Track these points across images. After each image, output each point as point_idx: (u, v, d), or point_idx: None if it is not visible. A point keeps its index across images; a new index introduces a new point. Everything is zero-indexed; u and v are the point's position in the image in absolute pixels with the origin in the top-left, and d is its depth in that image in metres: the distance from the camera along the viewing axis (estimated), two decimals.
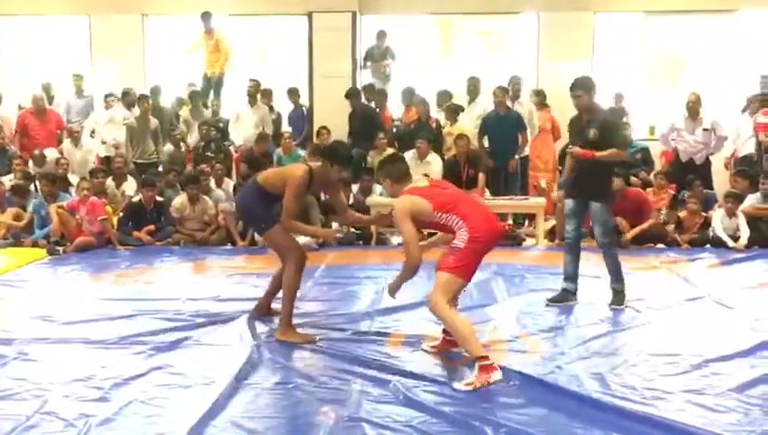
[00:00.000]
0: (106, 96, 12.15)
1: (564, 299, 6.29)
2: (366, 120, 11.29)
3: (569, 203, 6.32)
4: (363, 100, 11.69)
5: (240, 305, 6.24)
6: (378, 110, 11.75)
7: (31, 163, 11.03)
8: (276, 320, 5.60)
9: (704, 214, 9.41)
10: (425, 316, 5.36)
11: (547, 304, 6.23)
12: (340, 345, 5.22)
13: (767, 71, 12.24)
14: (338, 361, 4.88)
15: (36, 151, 11.12)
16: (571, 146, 6.29)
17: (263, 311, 5.91)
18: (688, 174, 10.20)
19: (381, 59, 12.82)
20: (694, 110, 10.42)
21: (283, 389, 4.42)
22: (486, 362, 4.34)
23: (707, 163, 10.64)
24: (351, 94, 11.50)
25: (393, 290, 4.82)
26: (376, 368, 4.68)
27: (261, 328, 5.61)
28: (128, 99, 11.84)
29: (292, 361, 4.93)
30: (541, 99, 11.40)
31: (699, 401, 4.19)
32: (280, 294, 5.60)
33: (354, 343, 5.27)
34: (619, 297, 6.22)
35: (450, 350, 4.96)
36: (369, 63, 12.87)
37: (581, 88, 6.07)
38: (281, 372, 4.72)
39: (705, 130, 10.43)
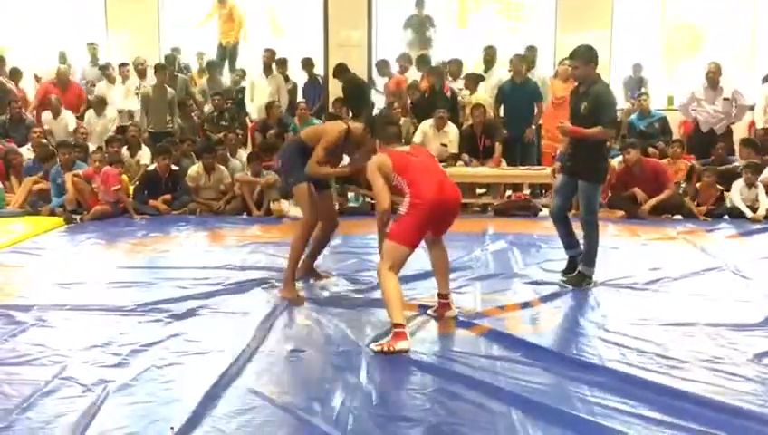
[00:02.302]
0: (120, 65, 12.14)
1: (574, 268, 6.19)
2: (354, 94, 11.24)
3: (559, 178, 6.18)
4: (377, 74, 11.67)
5: (255, 274, 6.28)
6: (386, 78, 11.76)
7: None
8: (322, 281, 6.05)
9: (720, 187, 9.30)
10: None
11: (561, 280, 6.12)
12: (354, 313, 5.24)
13: None
14: (351, 329, 4.89)
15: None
16: (562, 121, 6.10)
17: (306, 271, 6.11)
18: (708, 144, 10.10)
19: (421, 27, 12.76)
20: (714, 79, 10.30)
21: (296, 356, 4.44)
22: (399, 330, 4.49)
23: (729, 133, 10.52)
24: (338, 71, 11.42)
25: (380, 249, 4.92)
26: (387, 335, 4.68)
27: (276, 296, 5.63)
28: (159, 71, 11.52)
29: (307, 329, 4.94)
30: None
31: (716, 370, 4.17)
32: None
33: (368, 310, 5.27)
34: (578, 278, 5.99)
35: (446, 313, 5.09)
36: (409, 32, 12.81)
37: (580, 58, 5.85)
38: (295, 339, 4.74)
39: (725, 99, 10.31)
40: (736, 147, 10.28)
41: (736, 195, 9.05)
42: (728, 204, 9.10)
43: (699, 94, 10.45)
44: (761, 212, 8.82)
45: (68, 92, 11.89)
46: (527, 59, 10.77)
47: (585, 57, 5.82)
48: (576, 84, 6.12)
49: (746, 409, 3.64)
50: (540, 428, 3.48)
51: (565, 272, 6.20)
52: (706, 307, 5.45)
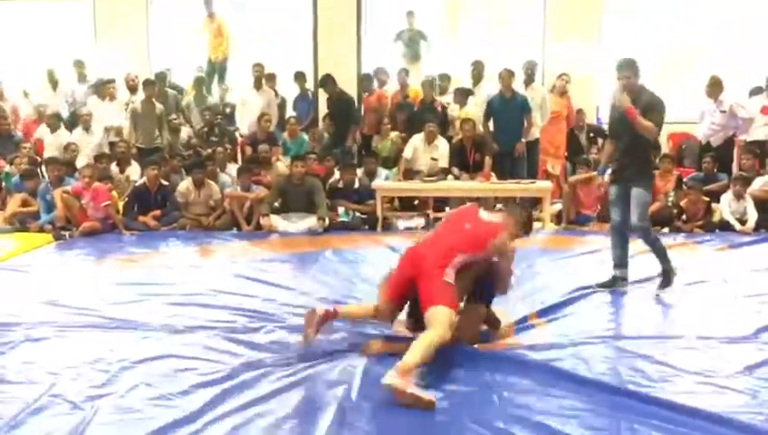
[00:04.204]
0: (106, 82, 12.08)
1: (613, 285, 6.24)
2: (341, 107, 11.26)
3: (613, 189, 6.28)
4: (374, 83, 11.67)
5: (247, 289, 6.26)
6: (366, 93, 11.78)
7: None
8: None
9: (706, 199, 9.32)
10: None
11: (595, 288, 6.17)
12: (346, 328, 5.22)
13: None
14: (343, 343, 4.89)
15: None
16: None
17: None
18: (705, 157, 10.12)
19: (412, 41, 12.81)
20: (713, 92, 10.32)
21: (291, 370, 4.41)
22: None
23: (728, 145, 10.52)
24: (324, 83, 11.42)
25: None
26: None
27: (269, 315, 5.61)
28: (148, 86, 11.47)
29: (298, 344, 4.90)
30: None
31: (708, 382, 4.18)
32: None
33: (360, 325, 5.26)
34: (664, 280, 6.19)
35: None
36: (400, 45, 12.84)
37: (629, 68, 5.99)
38: (287, 353, 4.70)
39: (722, 112, 10.33)
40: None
41: (725, 207, 9.09)
42: (718, 216, 9.13)
43: (704, 108, 10.52)
44: (749, 224, 8.87)
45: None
46: (527, 72, 10.78)
47: (633, 67, 6.01)
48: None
49: (737, 420, 3.64)
50: None
51: (601, 284, 6.23)
52: (697, 319, 5.45)
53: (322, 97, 11.94)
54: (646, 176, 6.19)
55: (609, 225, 6.48)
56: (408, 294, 4.68)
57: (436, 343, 4.11)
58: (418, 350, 4.04)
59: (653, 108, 5.95)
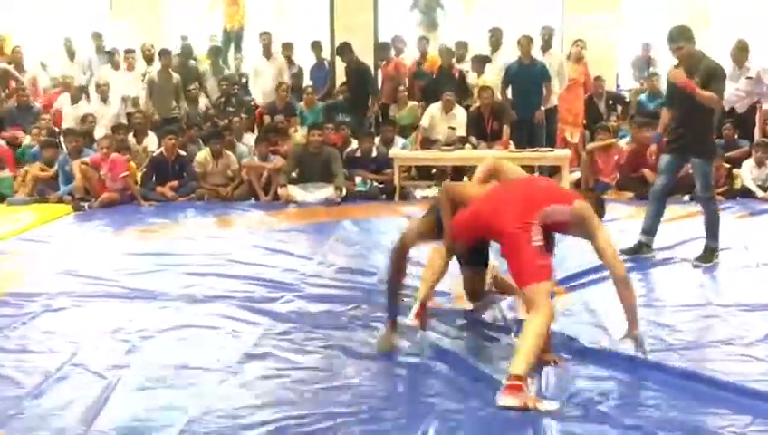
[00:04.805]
0: (126, 52, 12.08)
1: (638, 250, 6.21)
2: (358, 75, 11.16)
3: (664, 157, 6.19)
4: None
5: (265, 259, 6.28)
6: (383, 62, 11.66)
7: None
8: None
9: (727, 165, 9.21)
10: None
11: (621, 253, 6.09)
12: (362, 296, 5.24)
13: None
14: (360, 310, 4.91)
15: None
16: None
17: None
18: (726, 123, 9.96)
19: (429, 8, 12.68)
20: (739, 57, 10.09)
21: (306, 336, 4.44)
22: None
23: (750, 112, 10.32)
24: (341, 51, 11.31)
25: None
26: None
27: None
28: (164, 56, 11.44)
29: (315, 315, 4.90)
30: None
31: (728, 350, 4.15)
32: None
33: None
34: (708, 255, 6.04)
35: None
36: (416, 13, 12.74)
37: (680, 38, 5.84)
38: (301, 323, 4.72)
39: (748, 78, 10.10)
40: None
41: (746, 174, 8.99)
42: (739, 183, 9.03)
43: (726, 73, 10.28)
44: None
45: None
46: (544, 38, 10.65)
47: (685, 36, 5.86)
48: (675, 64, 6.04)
49: (760, 389, 3.59)
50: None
51: (626, 251, 6.08)
52: (718, 288, 5.41)
53: (339, 66, 11.86)
54: (706, 145, 6.04)
55: (651, 190, 6.42)
56: (480, 236, 4.17)
57: (545, 328, 3.68)
58: (529, 346, 3.55)
59: (713, 75, 5.80)
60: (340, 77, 11.77)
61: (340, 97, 11.34)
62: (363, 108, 11.08)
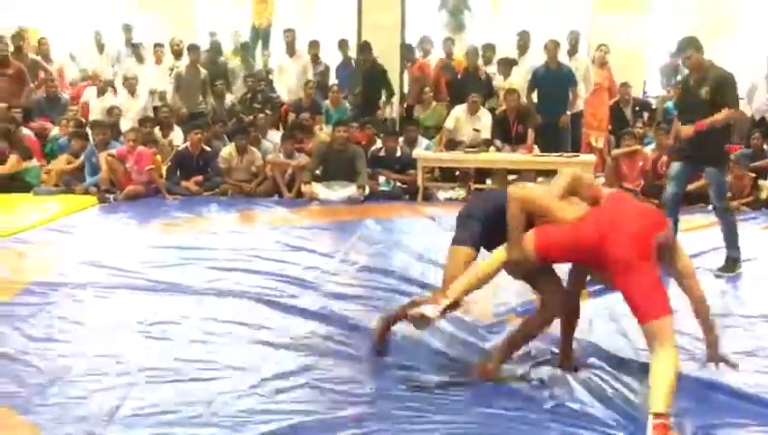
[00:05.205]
0: (155, 45, 12.17)
1: None
2: (372, 75, 11.15)
3: (674, 165, 6.17)
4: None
5: (287, 256, 6.31)
6: (409, 63, 11.63)
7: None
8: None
9: (752, 175, 9.12)
10: None
11: (716, 273, 6.01)
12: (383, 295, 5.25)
13: None
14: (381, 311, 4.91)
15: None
16: (677, 122, 6.06)
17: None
18: (755, 133, 9.87)
19: (457, 10, 12.67)
20: None
21: (327, 334, 4.45)
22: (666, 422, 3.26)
23: None
24: (361, 50, 11.30)
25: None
26: None
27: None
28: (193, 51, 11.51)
29: (336, 313, 4.90)
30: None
31: (751, 361, 4.12)
32: None
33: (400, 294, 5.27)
34: (728, 265, 6.01)
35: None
36: (444, 14, 12.73)
37: (689, 47, 5.84)
38: (322, 321, 4.73)
39: None
40: None
41: None
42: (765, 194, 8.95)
43: (758, 82, 10.20)
44: None
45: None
46: (571, 42, 10.61)
47: (694, 44, 5.86)
48: (685, 75, 6.09)
49: None
50: None
51: None
52: (741, 298, 5.38)
53: None
54: (720, 155, 6.04)
55: (662, 198, 6.39)
56: (572, 260, 3.84)
57: (677, 366, 3.38)
58: (665, 385, 3.27)
59: (724, 84, 5.77)
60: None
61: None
62: (371, 108, 11.05)
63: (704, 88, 5.77)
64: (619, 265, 3.42)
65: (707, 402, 3.63)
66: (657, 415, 3.22)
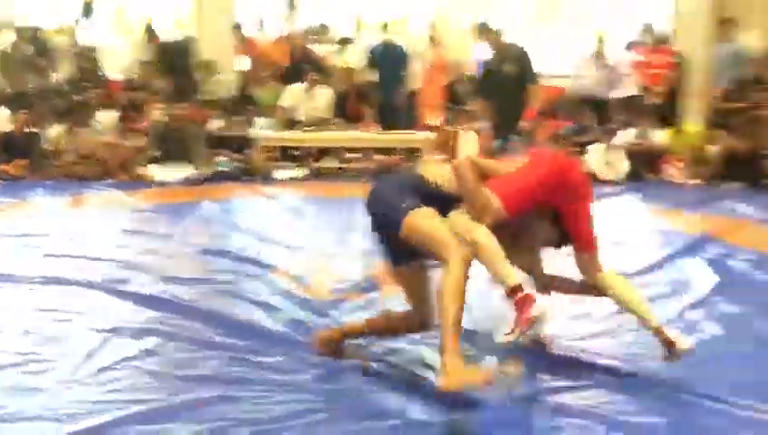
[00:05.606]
0: None
1: None
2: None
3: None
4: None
5: (123, 240, 6.12)
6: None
7: None
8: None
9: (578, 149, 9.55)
10: None
11: None
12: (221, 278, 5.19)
13: None
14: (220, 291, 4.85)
15: None
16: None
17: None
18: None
19: None
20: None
21: (163, 319, 4.36)
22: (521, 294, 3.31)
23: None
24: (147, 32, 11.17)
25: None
26: None
27: None
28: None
29: (174, 296, 4.82)
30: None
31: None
32: None
33: None
34: None
35: None
36: None
37: (487, 30, 6.10)
38: (160, 306, 4.61)
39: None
40: None
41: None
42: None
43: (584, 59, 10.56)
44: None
45: None
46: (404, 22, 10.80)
47: (487, 27, 6.10)
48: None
49: None
50: None
51: None
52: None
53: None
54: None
55: None
56: (538, 203, 3.57)
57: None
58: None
59: (523, 59, 6.08)
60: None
61: None
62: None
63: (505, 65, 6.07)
64: (581, 189, 3.60)
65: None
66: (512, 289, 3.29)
